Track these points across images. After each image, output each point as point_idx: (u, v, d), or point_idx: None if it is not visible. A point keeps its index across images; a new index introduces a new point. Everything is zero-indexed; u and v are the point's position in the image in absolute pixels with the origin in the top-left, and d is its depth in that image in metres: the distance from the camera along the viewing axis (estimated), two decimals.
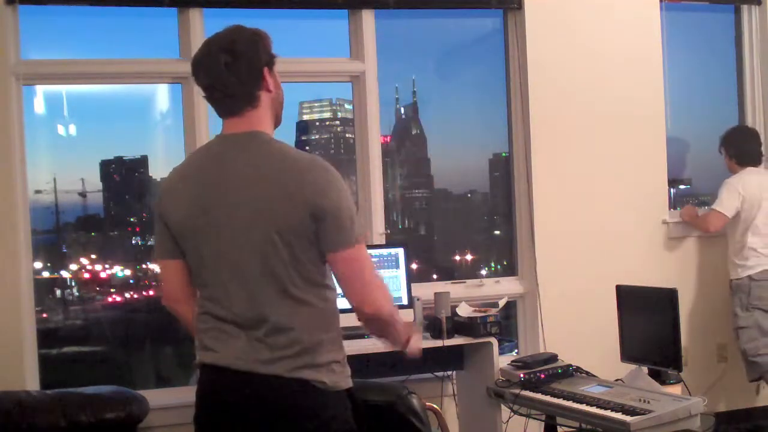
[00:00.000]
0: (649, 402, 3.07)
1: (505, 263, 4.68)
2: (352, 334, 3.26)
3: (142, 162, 4.34)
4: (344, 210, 1.96)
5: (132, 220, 4.44)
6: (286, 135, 4.64)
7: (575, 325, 4.31)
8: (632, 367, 3.76)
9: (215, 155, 2.04)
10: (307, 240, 1.95)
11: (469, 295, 4.24)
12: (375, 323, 2.04)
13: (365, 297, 1.98)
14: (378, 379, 3.72)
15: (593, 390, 3.31)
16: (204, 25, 3.97)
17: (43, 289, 4.04)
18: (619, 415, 2.98)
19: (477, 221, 4.90)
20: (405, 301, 3.77)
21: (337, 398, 1.98)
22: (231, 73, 2.00)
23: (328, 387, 1.96)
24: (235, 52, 2.00)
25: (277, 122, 2.15)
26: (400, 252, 3.85)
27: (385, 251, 3.85)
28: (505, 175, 4.57)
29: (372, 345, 3.58)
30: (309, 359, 1.95)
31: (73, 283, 4.26)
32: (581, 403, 3.19)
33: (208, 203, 1.99)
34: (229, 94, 2.03)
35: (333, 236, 1.95)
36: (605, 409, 3.06)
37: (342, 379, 2.01)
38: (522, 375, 3.48)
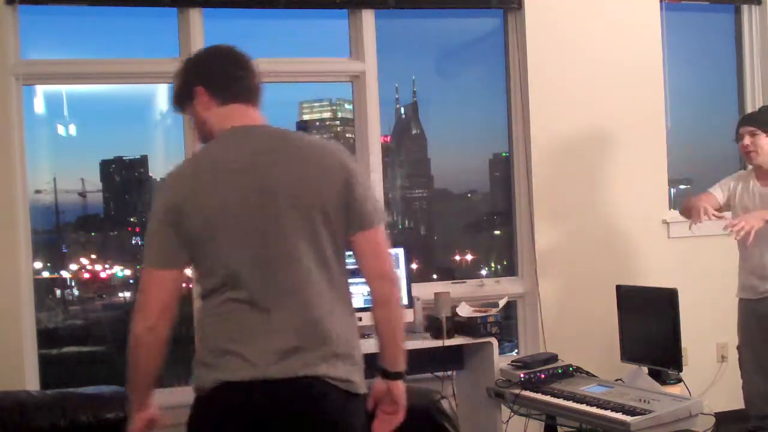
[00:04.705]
0: (649, 402, 3.07)
1: (505, 263, 4.68)
2: None
3: (142, 162, 4.34)
4: (369, 190, 2.05)
5: (132, 220, 4.45)
6: None
7: (575, 325, 4.31)
8: (632, 367, 3.76)
9: (239, 144, 1.98)
10: (343, 221, 1.98)
11: (469, 295, 4.24)
12: (394, 301, 2.04)
13: (391, 267, 2.03)
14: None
15: (593, 390, 3.31)
16: (204, 25, 3.97)
17: (43, 289, 4.04)
18: (619, 415, 2.98)
19: (477, 221, 4.90)
20: (405, 301, 3.77)
21: None
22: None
23: None
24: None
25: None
26: (400, 252, 3.84)
27: None
28: (505, 175, 4.57)
29: (373, 345, 3.57)
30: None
31: (73, 283, 4.26)
32: (581, 403, 3.19)
33: (248, 190, 1.92)
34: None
35: (366, 216, 1.99)
36: (605, 409, 3.07)
37: None
38: (522, 375, 3.48)
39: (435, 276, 4.62)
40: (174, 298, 1.97)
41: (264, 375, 1.87)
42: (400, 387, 2.09)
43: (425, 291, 3.95)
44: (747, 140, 3.68)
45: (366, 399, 2.06)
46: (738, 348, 3.82)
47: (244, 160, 1.94)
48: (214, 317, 1.95)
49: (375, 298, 2.04)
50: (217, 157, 1.97)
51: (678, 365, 3.61)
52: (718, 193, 3.84)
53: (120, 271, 4.35)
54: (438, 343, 3.61)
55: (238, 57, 2.08)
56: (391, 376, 2.09)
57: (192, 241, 1.92)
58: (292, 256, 1.92)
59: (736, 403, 3.91)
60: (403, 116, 4.73)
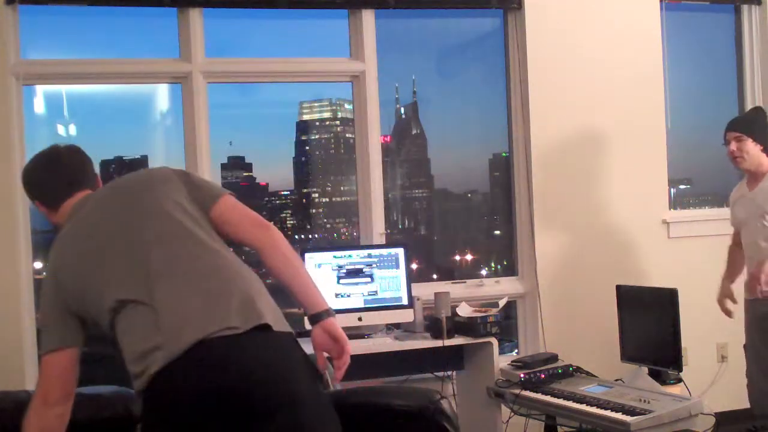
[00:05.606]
0: (649, 402, 3.07)
1: (505, 263, 4.68)
2: (353, 334, 3.27)
3: (142, 162, 4.33)
4: (196, 175, 2.29)
5: None
6: (286, 135, 4.65)
7: (575, 325, 4.31)
8: (632, 367, 3.76)
9: (81, 210, 2.21)
10: (196, 203, 2.13)
11: (469, 295, 4.24)
12: (281, 243, 2.10)
13: (259, 216, 2.14)
14: (383, 380, 3.75)
15: (593, 390, 3.31)
16: (204, 25, 3.97)
17: None
18: (619, 415, 2.98)
19: (477, 221, 4.90)
20: (405, 301, 3.78)
21: None
22: None
23: None
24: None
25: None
26: (400, 252, 3.85)
27: (385, 251, 3.85)
28: (505, 175, 4.57)
29: (373, 345, 3.58)
30: None
31: None
32: (581, 403, 3.19)
33: (100, 234, 2.12)
34: None
35: (208, 192, 2.16)
36: (605, 409, 3.07)
37: None
38: (522, 375, 3.48)
39: (435, 276, 4.62)
40: (75, 378, 2.14)
41: (180, 349, 1.92)
42: (334, 323, 2.08)
43: (425, 291, 3.95)
44: (733, 146, 3.63)
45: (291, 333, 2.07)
46: (744, 347, 3.83)
47: (87, 217, 2.17)
48: (122, 336, 2.07)
49: (260, 247, 2.09)
50: (68, 230, 2.22)
51: (678, 365, 3.61)
52: (732, 224, 3.88)
53: None
54: (438, 343, 3.61)
55: (57, 162, 2.32)
56: (321, 316, 2.08)
57: (75, 303, 2.13)
58: (159, 256, 2.03)
59: (736, 403, 3.91)
60: (403, 116, 4.72)
